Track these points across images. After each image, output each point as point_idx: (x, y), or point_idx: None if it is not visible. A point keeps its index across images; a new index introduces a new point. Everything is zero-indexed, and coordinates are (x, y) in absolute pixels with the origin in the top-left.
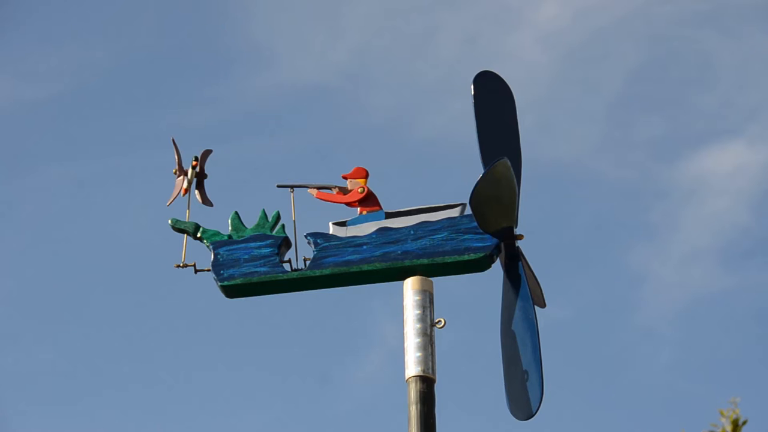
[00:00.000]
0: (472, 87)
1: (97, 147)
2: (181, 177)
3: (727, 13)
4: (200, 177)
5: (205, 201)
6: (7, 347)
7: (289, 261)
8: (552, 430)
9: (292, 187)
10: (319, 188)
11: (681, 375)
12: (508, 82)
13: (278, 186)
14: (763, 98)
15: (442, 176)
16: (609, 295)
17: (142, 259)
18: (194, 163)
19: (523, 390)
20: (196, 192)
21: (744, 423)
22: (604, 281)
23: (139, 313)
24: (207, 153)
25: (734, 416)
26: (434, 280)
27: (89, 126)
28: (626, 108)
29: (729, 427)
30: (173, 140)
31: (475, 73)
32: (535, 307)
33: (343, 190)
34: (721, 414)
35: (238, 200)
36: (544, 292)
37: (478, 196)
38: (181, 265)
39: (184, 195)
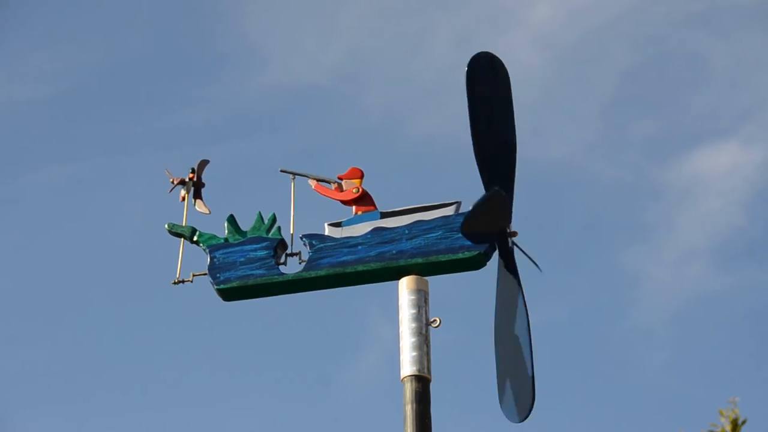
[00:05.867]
0: (466, 69)
1: (93, 147)
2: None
3: (721, 13)
4: (197, 187)
5: (204, 210)
6: (4, 347)
7: (285, 258)
8: None
9: (293, 174)
10: (318, 180)
11: (677, 375)
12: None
13: (281, 171)
14: (757, 98)
15: (436, 176)
16: (604, 295)
17: (140, 259)
18: (191, 175)
19: (516, 393)
20: (195, 201)
21: (743, 423)
22: (599, 282)
23: (137, 315)
24: (204, 163)
25: (733, 416)
26: (429, 279)
27: (86, 126)
28: (620, 108)
29: (728, 427)
30: (167, 171)
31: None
32: (527, 306)
33: (341, 188)
34: (721, 414)
35: (232, 200)
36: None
37: (470, 226)
38: (177, 281)
39: (182, 201)
